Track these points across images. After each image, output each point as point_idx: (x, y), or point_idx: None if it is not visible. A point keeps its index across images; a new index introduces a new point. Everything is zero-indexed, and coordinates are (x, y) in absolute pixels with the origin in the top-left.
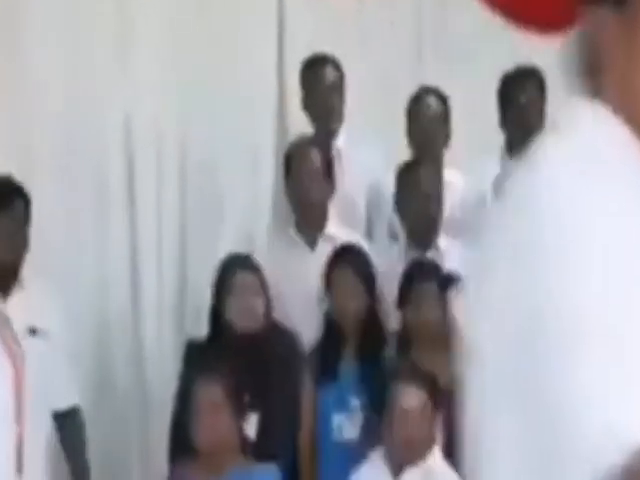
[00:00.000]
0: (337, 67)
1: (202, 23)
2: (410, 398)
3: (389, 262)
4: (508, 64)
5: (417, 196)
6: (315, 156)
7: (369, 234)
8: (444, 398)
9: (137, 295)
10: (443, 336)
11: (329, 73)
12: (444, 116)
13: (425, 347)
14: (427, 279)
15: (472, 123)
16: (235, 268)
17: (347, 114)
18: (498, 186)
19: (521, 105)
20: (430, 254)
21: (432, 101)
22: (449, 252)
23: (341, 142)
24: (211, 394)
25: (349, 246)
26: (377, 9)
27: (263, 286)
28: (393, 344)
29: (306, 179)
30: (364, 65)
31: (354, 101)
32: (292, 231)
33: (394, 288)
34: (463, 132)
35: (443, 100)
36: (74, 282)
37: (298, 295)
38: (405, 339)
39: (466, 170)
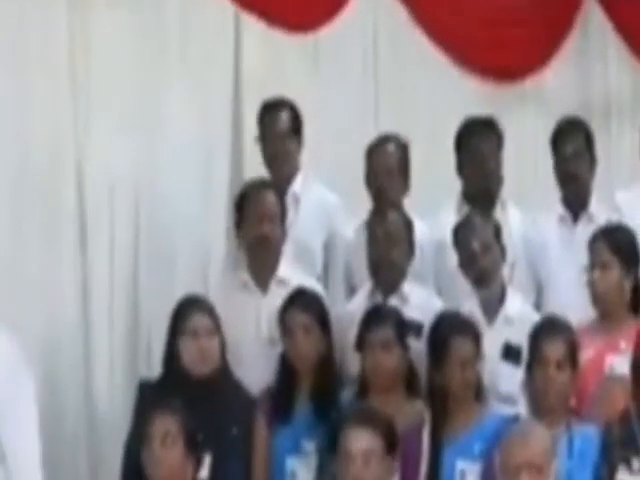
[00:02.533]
0: (293, 111)
1: (157, 68)
2: (358, 441)
3: (350, 306)
4: (465, 111)
5: (380, 241)
6: (269, 198)
7: (325, 278)
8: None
9: (88, 336)
10: (400, 381)
11: (284, 117)
12: (403, 163)
13: (383, 391)
14: (383, 324)
15: (429, 169)
16: (190, 310)
17: (304, 158)
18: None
19: (479, 154)
20: (394, 299)
21: (391, 148)
22: (411, 298)
23: (298, 186)
24: (165, 425)
25: (304, 289)
26: (332, 51)
27: (218, 327)
28: (354, 388)
29: (259, 221)
30: (321, 109)
31: (311, 145)
32: (244, 274)
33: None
34: (420, 179)
35: (402, 147)
36: (24, 323)
37: (249, 338)
38: (364, 383)
39: (424, 216)
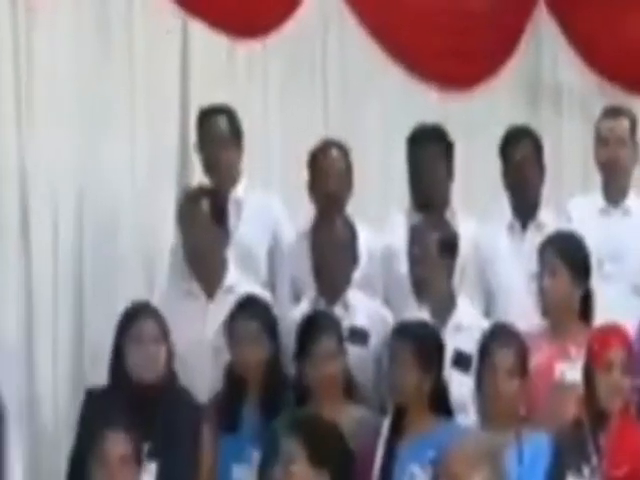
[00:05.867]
0: (232, 117)
1: (102, 70)
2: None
3: (295, 314)
4: (416, 118)
5: (324, 248)
6: (205, 206)
7: (272, 284)
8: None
9: (32, 342)
10: (340, 388)
11: (222, 123)
12: (347, 169)
13: (323, 399)
14: (324, 332)
15: (379, 176)
16: (136, 316)
17: (249, 164)
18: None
19: (425, 163)
20: (338, 307)
21: (335, 154)
22: (356, 305)
23: (241, 192)
24: (121, 447)
25: (252, 297)
26: (281, 56)
27: (165, 334)
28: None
29: (195, 229)
30: (268, 115)
31: (257, 151)
32: (191, 281)
33: None
34: (368, 185)
35: (346, 153)
36: None
37: (195, 346)
38: (302, 391)
39: (373, 223)
